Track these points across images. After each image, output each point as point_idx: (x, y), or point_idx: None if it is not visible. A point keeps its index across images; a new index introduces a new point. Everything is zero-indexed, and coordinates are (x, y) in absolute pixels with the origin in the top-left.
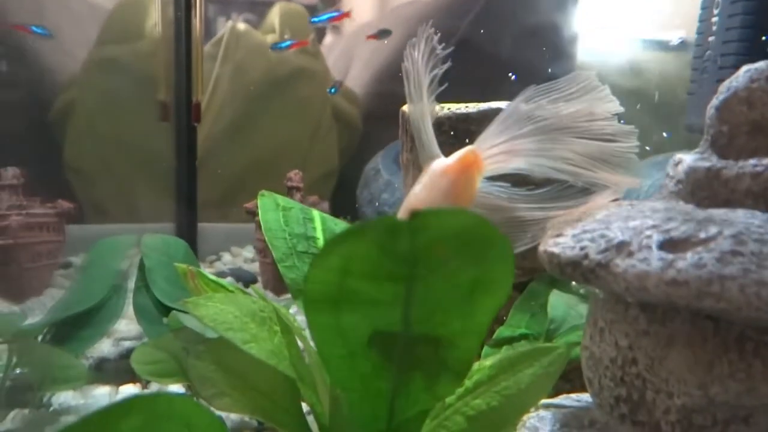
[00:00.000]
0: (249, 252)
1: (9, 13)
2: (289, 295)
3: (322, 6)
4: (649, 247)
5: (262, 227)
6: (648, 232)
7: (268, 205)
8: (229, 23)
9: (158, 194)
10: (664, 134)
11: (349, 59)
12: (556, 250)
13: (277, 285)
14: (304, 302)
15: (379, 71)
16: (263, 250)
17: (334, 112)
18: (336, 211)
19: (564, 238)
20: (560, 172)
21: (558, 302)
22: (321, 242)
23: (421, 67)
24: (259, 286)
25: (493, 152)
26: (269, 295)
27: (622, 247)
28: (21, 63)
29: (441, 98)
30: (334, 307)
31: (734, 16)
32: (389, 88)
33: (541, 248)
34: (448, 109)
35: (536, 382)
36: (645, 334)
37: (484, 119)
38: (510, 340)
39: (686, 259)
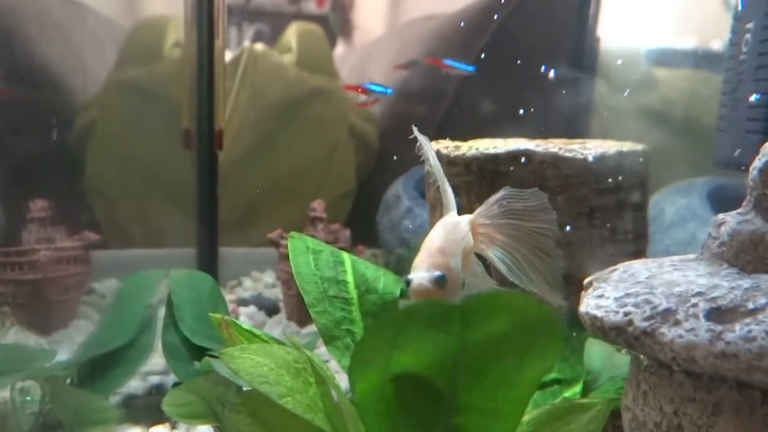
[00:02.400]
0: (269, 277)
1: (29, 34)
2: (313, 327)
3: (332, 17)
4: (696, 317)
5: (293, 271)
6: (694, 300)
7: (299, 249)
8: (246, 44)
9: (179, 219)
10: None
11: (361, 75)
12: (598, 313)
13: (301, 317)
14: (349, 368)
15: (395, 89)
16: (287, 282)
17: (351, 131)
18: (356, 236)
19: (606, 301)
20: (512, 273)
21: (594, 351)
22: (352, 286)
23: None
24: (282, 315)
25: (482, 231)
26: (292, 326)
27: (667, 315)
28: (40, 84)
29: (462, 123)
30: (379, 375)
31: (766, 55)
32: (405, 106)
33: (583, 309)
34: (476, 148)
35: None
36: (691, 401)
37: (513, 160)
38: (542, 386)
39: (735, 332)
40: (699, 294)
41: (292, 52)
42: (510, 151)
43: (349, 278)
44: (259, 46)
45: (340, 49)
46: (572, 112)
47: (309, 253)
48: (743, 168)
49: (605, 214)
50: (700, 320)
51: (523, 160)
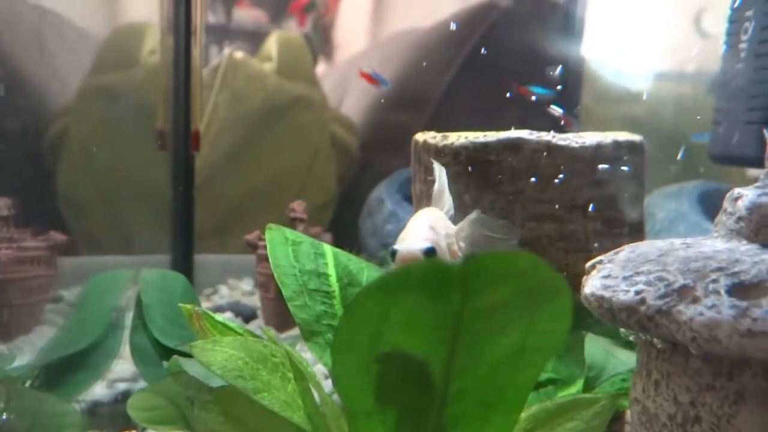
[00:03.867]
0: (247, 285)
1: (6, 42)
2: (292, 332)
3: (314, 35)
4: (717, 293)
5: (271, 263)
6: (714, 276)
7: (277, 240)
8: (226, 51)
9: (153, 225)
10: None
11: (343, 88)
12: (606, 294)
13: (279, 321)
14: (332, 350)
15: (377, 100)
16: (265, 284)
17: (332, 140)
18: (337, 243)
19: (614, 280)
20: None
21: (595, 347)
22: (334, 279)
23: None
24: (259, 321)
25: (455, 247)
26: (271, 332)
27: (685, 292)
28: (15, 90)
29: (448, 127)
30: (365, 357)
31: (766, 42)
32: (388, 116)
33: (587, 291)
34: (465, 137)
35: None
36: (710, 389)
37: (504, 149)
38: (536, 386)
39: (763, 307)
40: (719, 269)
41: (273, 61)
42: (500, 140)
43: (331, 270)
44: (239, 54)
45: (321, 67)
46: (558, 123)
47: (288, 245)
48: (741, 161)
49: (601, 205)
50: (723, 296)
51: (514, 149)
